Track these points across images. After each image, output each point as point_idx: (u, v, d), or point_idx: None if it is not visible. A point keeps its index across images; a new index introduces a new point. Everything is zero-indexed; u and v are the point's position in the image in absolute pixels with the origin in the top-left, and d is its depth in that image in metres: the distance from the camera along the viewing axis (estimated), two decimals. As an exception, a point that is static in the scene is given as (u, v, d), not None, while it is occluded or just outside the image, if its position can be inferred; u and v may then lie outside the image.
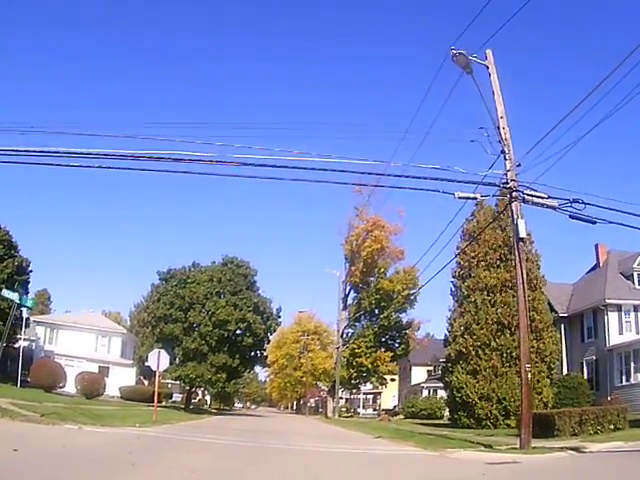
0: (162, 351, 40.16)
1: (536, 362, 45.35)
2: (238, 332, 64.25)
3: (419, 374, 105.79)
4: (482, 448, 25.04)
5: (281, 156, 23.26)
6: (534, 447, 22.95)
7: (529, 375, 24.40)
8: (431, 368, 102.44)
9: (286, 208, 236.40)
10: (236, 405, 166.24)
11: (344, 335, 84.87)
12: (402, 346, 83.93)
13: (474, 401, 45.72)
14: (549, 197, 24.92)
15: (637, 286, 60.52)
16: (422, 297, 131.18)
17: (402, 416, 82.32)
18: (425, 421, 66.21)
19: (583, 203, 23.86)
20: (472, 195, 25.39)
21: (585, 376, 56.49)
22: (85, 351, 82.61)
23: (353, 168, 24.40)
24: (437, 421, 67.61)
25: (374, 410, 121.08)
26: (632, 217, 24.71)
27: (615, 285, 60.22)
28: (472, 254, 50.66)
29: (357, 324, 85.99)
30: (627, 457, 21.18)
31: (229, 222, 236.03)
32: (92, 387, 62.28)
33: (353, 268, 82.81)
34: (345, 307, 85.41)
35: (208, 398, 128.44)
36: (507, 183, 25.15)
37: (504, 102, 26.12)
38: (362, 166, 24.85)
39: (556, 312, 57.31)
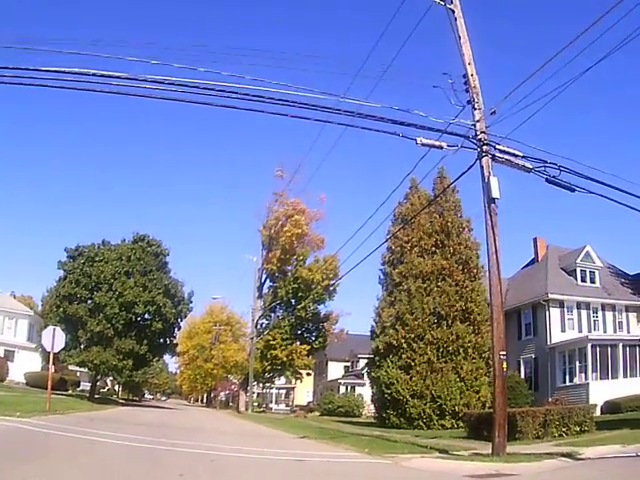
0: (57, 328, 35.81)
1: (474, 358, 43.49)
2: (147, 316, 60.60)
3: (336, 370, 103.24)
4: (437, 454, 21.19)
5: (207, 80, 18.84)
6: (509, 453, 19.14)
7: (503, 365, 20.55)
8: (349, 364, 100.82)
9: (201, 189, 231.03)
10: (146, 396, 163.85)
11: (258, 325, 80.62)
12: (319, 339, 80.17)
13: (405, 399, 42.27)
14: (524, 156, 21.41)
15: (580, 282, 58.81)
16: (341, 290, 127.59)
17: (318, 413, 79.55)
18: (344, 419, 63.24)
19: (559, 168, 20.83)
20: (437, 143, 21.34)
21: (522, 375, 53.92)
22: None
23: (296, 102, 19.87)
24: (355, 419, 65.32)
25: (287, 406, 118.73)
26: (616, 191, 21.63)
27: (557, 281, 58.09)
28: (405, 238, 47.42)
29: (272, 314, 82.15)
30: (636, 464, 17.48)
31: (141, 201, 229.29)
32: None
33: (270, 255, 78.78)
34: (260, 296, 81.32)
35: (118, 388, 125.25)
36: (476, 135, 21.43)
37: (472, 47, 22.53)
38: (304, 107, 20.26)
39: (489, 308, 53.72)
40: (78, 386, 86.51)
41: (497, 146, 21.41)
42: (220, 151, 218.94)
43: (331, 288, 76.08)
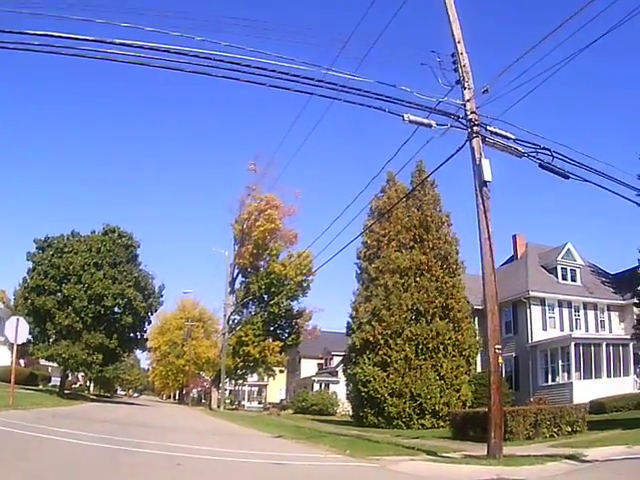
0: (21, 319, 34.53)
1: (454, 356, 42.52)
2: (116, 309, 59.12)
3: (309, 367, 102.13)
4: (426, 456, 19.80)
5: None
6: (505, 455, 17.80)
7: (499, 360, 19.78)
8: (322, 361, 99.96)
9: (172, 182, 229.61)
10: (119, 392, 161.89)
11: (230, 321, 79.38)
12: (292, 336, 78.71)
13: (383, 397, 41.09)
14: (516, 139, 20.41)
15: (561, 280, 58.11)
16: (315, 287, 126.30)
17: (291, 411, 78.71)
18: (318, 417, 62.29)
19: (552, 154, 20.03)
20: (425, 121, 20.08)
21: (503, 374, 51.75)
22: None
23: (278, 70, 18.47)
24: (330, 417, 63.98)
25: (259, 403, 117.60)
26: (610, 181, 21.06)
27: (537, 278, 57.16)
28: (382, 232, 46.29)
29: (245, 310, 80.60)
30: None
31: (112, 194, 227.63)
32: None
33: (242, 250, 77.21)
34: (232, 291, 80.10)
35: (91, 385, 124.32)
36: (466, 115, 20.28)
37: (461, 26, 21.44)
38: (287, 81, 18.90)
39: (469, 304, 52.51)
40: (49, 381, 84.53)
41: (488, 127, 20.38)
42: (192, 142, 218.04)
43: (304, 284, 75.12)
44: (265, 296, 76.04)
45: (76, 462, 13.76)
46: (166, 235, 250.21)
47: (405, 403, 40.42)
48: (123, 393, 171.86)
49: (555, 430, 26.77)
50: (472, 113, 20.13)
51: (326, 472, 16.94)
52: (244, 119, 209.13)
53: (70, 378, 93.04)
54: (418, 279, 43.63)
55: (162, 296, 65.44)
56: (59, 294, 56.55)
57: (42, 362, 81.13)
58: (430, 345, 41.55)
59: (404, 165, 28.43)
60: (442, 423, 39.39)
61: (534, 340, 52.62)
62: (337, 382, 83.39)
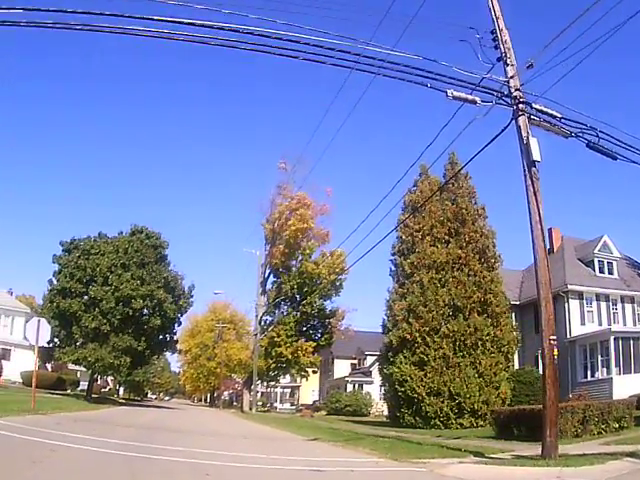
0: (42, 320, 33.18)
1: (492, 352, 41.11)
2: (145, 311, 57.72)
3: (342, 368, 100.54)
4: (473, 457, 18.49)
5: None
6: (560, 455, 16.37)
7: (554, 352, 18.27)
8: (355, 361, 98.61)
9: (201, 182, 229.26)
10: (149, 396, 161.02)
11: (262, 322, 78.37)
12: (325, 336, 77.36)
13: (421, 396, 39.81)
14: (563, 118, 19.21)
15: (598, 273, 56.55)
16: (348, 286, 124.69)
17: (324, 412, 77.60)
18: (352, 418, 61.03)
19: (597, 135, 18.79)
20: (470, 97, 19.02)
21: (540, 371, 50.26)
22: None
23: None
24: (364, 418, 62.69)
25: (292, 405, 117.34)
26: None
27: (575, 272, 55.61)
28: (416, 227, 45.20)
29: (276, 311, 79.45)
30: None
31: (140, 196, 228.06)
32: None
33: (274, 249, 76.46)
34: (264, 292, 79.04)
35: (121, 389, 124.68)
36: (510, 93, 19.18)
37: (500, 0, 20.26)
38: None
39: (506, 299, 51.10)
40: (78, 386, 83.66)
41: (533, 105, 19.23)
42: (221, 142, 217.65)
43: (337, 283, 74.06)
44: (297, 296, 74.98)
45: (85, 472, 12.32)
46: (196, 236, 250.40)
47: (443, 402, 39.25)
48: (154, 397, 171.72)
49: (603, 427, 25.82)
50: (516, 90, 19.09)
51: (370, 478, 15.60)
52: (274, 117, 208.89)
53: (99, 382, 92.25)
54: (455, 274, 42.47)
55: (192, 297, 64.16)
56: (85, 297, 55.31)
57: (71, 367, 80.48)
58: (468, 342, 40.32)
59: (441, 154, 26.87)
60: (481, 422, 38.43)
61: (572, 335, 51.15)
62: (371, 382, 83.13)
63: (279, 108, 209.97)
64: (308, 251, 74.90)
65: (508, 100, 19.05)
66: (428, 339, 40.61)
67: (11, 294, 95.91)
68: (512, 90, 19.00)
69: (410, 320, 41.64)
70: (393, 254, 46.62)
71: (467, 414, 39.02)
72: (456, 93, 18.72)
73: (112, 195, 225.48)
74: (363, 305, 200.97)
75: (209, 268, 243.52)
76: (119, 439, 19.14)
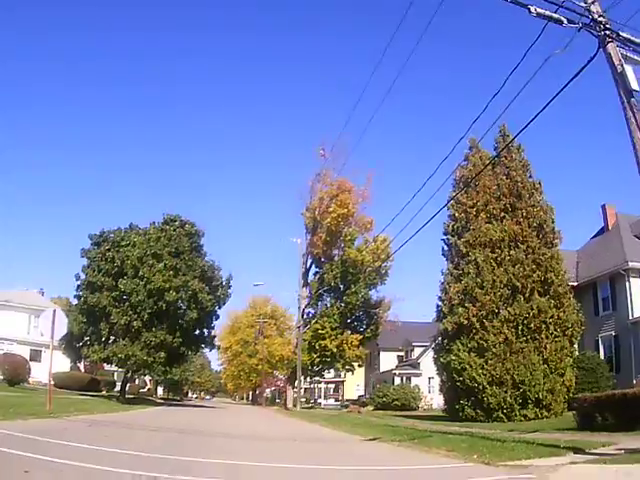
0: (58, 310, 29.86)
1: (556, 336, 37.94)
2: (180, 304, 54.03)
3: (389, 360, 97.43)
4: (574, 455, 15.18)
5: None
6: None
7: None
8: (402, 353, 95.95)
9: (237, 173, 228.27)
10: (189, 395, 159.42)
11: (305, 315, 75.99)
12: (371, 327, 75.38)
13: (482, 386, 36.81)
14: None
15: None
16: (393, 275, 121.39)
17: (371, 407, 74.83)
18: (402, 413, 58.32)
19: None
20: (555, 15, 16.15)
21: (602, 356, 47.80)
22: (16, 333, 74.38)
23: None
24: (414, 412, 60.89)
25: (336, 400, 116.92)
26: None
27: (635, 248, 51.52)
28: (470, 203, 42.16)
29: (320, 303, 77.38)
30: None
31: (172, 185, 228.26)
32: (15, 372, 55.27)
33: (315, 238, 74.25)
34: (306, 283, 76.42)
35: (160, 389, 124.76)
36: (594, 20, 16.52)
37: None
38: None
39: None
40: (114, 387, 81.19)
41: (621, 34, 16.57)
42: (257, 128, 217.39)
43: (383, 271, 72.03)
44: (341, 286, 72.98)
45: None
46: (233, 230, 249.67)
47: (506, 392, 36.28)
48: (194, 396, 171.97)
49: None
50: (600, 16, 16.45)
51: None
52: (313, 100, 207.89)
53: (137, 382, 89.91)
54: (512, 252, 39.50)
55: (230, 288, 59.90)
56: (115, 292, 51.81)
57: (107, 367, 78.50)
58: (532, 325, 37.25)
59: (497, 118, 23.62)
60: (545, 413, 35.93)
61: (635, 316, 47.38)
62: (419, 375, 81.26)
63: (317, 88, 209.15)
64: (349, 238, 72.85)
65: (592, 28, 16.37)
66: (487, 323, 37.74)
67: (42, 294, 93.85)
68: (595, 16, 16.35)
69: (466, 304, 38.79)
70: (445, 233, 43.68)
71: (531, 404, 35.98)
72: (540, 9, 16.00)
73: (144, 183, 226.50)
74: (409, 294, 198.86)
75: (247, 262, 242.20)
76: (135, 449, 14.87)
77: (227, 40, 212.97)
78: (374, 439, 23.67)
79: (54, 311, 28.43)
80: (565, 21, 15.62)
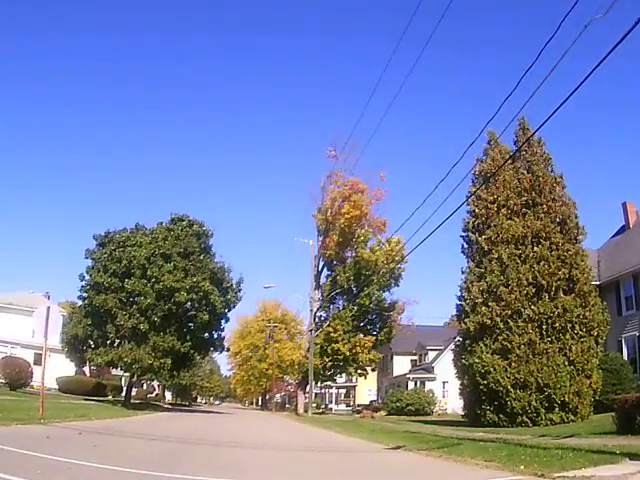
0: (52, 306, 27.60)
1: (582, 336, 36.40)
2: (189, 306, 52.53)
3: (402, 364, 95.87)
4: (629, 461, 13.79)
5: None
6: None
7: None
8: (415, 357, 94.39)
9: (244, 170, 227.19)
10: (198, 401, 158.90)
11: (317, 318, 74.53)
12: (384, 330, 74.46)
13: (506, 389, 35.13)
14: None
15: None
16: (407, 278, 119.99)
17: (384, 412, 73.68)
18: (417, 418, 57.05)
19: None
20: None
21: (625, 356, 46.08)
22: (20, 336, 73.33)
23: None
24: (429, 417, 60.05)
25: (347, 406, 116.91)
26: None
27: (657, 246, 50.14)
28: (490, 199, 40.65)
29: (331, 306, 76.54)
30: None
31: (180, 185, 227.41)
32: (17, 376, 55.18)
33: (327, 240, 73.40)
34: (318, 286, 75.49)
35: (169, 394, 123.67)
36: None
37: None
38: None
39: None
40: (120, 392, 79.45)
41: None
42: (268, 130, 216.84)
43: (396, 273, 71.17)
44: (354, 288, 72.01)
45: None
46: (244, 232, 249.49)
47: (531, 395, 34.77)
48: (203, 401, 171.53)
49: None
50: None
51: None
52: (324, 102, 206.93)
53: (145, 387, 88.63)
54: (536, 249, 37.98)
55: (240, 290, 58.44)
56: (122, 293, 50.49)
57: (114, 372, 77.45)
58: (557, 325, 35.75)
59: (507, 126, 21.85)
60: (572, 417, 34.38)
61: (661, 315, 45.65)
62: (433, 379, 79.75)
63: (326, 89, 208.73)
64: (362, 238, 72.05)
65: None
66: (511, 323, 36.25)
67: (48, 297, 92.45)
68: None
69: (490, 303, 37.24)
70: (465, 230, 42.15)
71: (557, 408, 34.44)
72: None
73: (153, 187, 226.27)
74: (423, 297, 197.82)
75: (257, 266, 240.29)
76: (123, 463, 12.52)
77: (240, 42, 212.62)
78: (397, 447, 21.59)
79: (48, 308, 26.50)
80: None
